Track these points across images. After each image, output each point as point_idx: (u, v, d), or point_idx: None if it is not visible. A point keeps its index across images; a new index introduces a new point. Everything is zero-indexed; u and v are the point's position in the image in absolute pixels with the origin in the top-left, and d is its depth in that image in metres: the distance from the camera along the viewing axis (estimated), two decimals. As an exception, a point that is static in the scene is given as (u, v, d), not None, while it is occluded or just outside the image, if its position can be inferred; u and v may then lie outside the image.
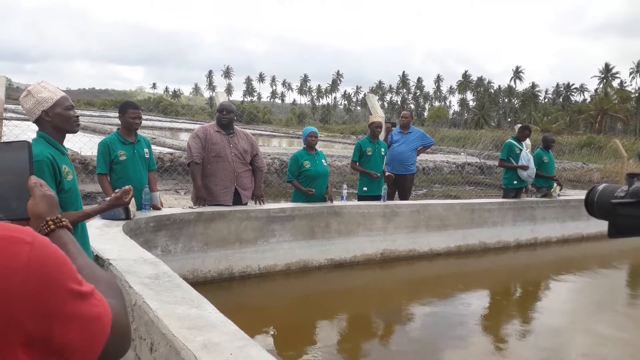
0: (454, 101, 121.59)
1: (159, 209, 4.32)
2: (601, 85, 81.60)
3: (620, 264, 6.71)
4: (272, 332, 3.80)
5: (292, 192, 5.54)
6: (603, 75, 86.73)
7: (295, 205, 5.19)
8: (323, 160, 5.35)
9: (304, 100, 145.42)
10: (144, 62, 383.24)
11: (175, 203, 6.93)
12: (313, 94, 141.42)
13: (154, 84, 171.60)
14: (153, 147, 4.50)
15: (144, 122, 4.42)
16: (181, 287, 2.19)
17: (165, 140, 17.85)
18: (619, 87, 76.80)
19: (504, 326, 4.31)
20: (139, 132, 4.20)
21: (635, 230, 0.61)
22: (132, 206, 3.79)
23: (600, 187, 0.66)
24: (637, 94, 73.17)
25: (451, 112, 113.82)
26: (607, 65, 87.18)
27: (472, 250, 6.45)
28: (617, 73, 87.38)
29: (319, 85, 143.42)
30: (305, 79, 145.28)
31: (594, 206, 0.64)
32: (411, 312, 4.49)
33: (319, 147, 5.44)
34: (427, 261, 5.92)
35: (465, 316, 4.39)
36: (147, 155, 4.10)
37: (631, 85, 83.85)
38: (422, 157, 17.65)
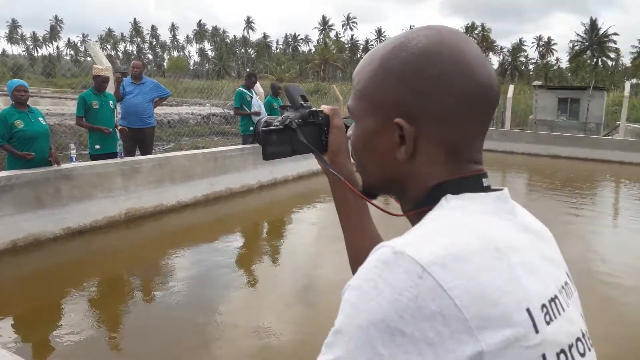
0: (193, 51, 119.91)
1: None
2: (321, 37, 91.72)
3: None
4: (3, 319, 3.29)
5: (6, 158, 4.72)
6: (322, 27, 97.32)
7: (11, 173, 4.46)
8: (40, 118, 4.68)
9: (17, 50, 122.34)
10: None
11: None
12: (28, 42, 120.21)
13: None
14: None
15: None
16: None
17: None
18: (335, 38, 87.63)
19: (261, 260, 4.72)
20: None
21: (278, 154, 0.75)
22: None
23: (264, 119, 0.76)
24: (349, 45, 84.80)
25: (192, 62, 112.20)
26: (324, 17, 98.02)
27: (220, 197, 6.71)
28: (332, 25, 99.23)
29: (34, 32, 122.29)
30: (14, 25, 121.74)
31: (258, 135, 0.74)
32: (170, 266, 4.42)
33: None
34: (175, 213, 5.92)
35: (227, 258, 4.62)
36: None
37: (344, 36, 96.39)
38: (167, 109, 17.10)
